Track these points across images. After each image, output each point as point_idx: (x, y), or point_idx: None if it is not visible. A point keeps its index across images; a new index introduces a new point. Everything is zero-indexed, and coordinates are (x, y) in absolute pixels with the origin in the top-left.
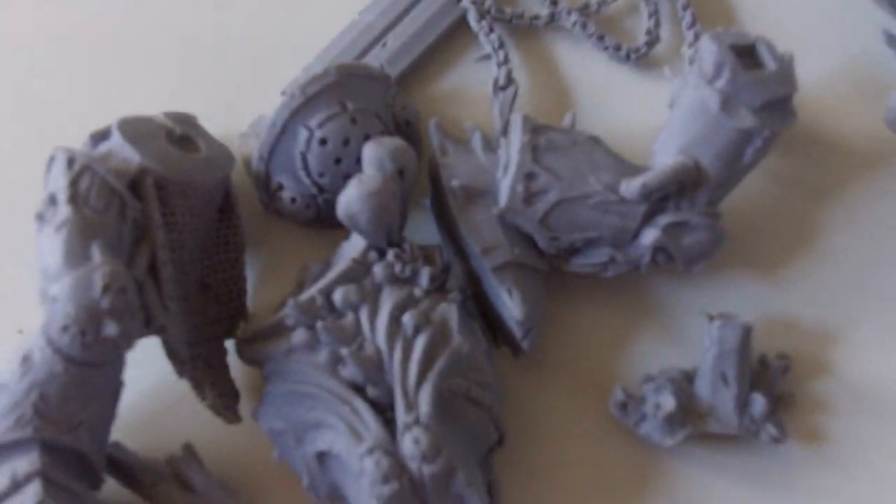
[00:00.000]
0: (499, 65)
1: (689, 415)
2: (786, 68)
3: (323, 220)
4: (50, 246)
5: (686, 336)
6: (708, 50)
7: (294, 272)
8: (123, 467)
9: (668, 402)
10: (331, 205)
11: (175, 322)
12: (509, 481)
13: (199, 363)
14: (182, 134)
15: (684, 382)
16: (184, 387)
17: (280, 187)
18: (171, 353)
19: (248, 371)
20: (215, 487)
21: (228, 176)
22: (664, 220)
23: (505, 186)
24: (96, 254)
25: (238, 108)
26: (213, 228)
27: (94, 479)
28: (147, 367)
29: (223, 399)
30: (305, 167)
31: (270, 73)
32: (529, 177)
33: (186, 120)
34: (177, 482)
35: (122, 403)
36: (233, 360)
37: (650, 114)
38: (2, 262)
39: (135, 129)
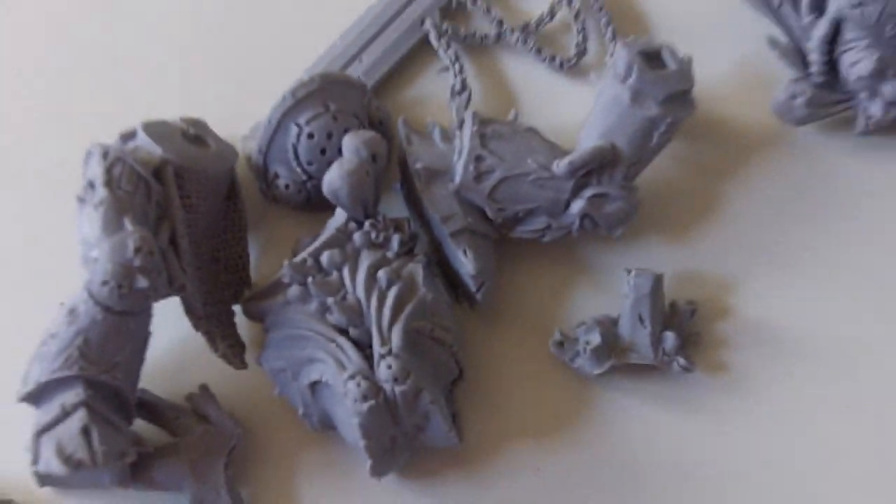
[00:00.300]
0: (455, 74)
1: (613, 350)
2: (685, 68)
3: (312, 204)
4: (90, 220)
5: (610, 289)
6: (620, 55)
7: (288, 249)
8: (150, 406)
9: (596, 339)
10: (318, 189)
11: (191, 284)
12: (468, 413)
13: (211, 320)
14: (195, 134)
15: (609, 325)
16: (199, 340)
17: (276, 176)
18: (189, 311)
19: (251, 327)
20: (226, 419)
21: (233, 168)
22: (589, 192)
23: (459, 167)
24: (128, 224)
25: (239, 116)
26: (221, 211)
27: (127, 414)
28: (169, 324)
29: (232, 349)
30: (296, 157)
31: (266, 86)
32: (479, 159)
33: (197, 123)
34: (195, 415)
35: (148, 353)
36: (239, 320)
37: (579, 110)
38: (46, 242)
39: (156, 129)
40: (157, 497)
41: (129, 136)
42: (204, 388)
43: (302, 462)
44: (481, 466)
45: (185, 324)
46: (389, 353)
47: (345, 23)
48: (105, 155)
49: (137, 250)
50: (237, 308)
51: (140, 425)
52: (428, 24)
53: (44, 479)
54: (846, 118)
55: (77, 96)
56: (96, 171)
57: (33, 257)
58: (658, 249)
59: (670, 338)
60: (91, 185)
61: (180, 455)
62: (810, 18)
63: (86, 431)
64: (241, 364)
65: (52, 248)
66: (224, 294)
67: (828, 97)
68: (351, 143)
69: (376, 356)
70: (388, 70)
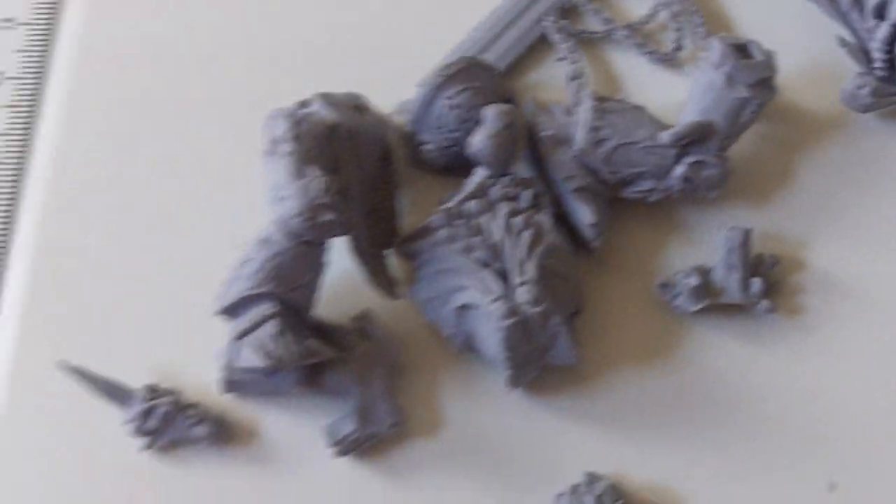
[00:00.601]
0: (571, 63)
1: (708, 292)
2: (769, 59)
3: (450, 167)
4: (279, 168)
5: (704, 244)
6: (715, 46)
7: (427, 207)
8: (321, 326)
9: (694, 281)
10: (457, 155)
11: (358, 227)
12: (583, 340)
13: (371, 259)
14: (357, 105)
15: (705, 272)
16: (358, 276)
17: (423, 142)
18: (355, 248)
19: (400, 269)
20: (388, 336)
21: (388, 134)
22: (689, 159)
23: (579, 136)
24: (314, 171)
25: (386, 96)
26: (378, 171)
27: (304, 332)
28: (333, 262)
29: (387, 284)
30: (443, 126)
31: (407, 73)
32: (596, 129)
33: (359, 97)
34: (359, 334)
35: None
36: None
37: (675, 96)
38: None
39: (328, 98)
40: (326, 405)
41: (304, 104)
42: (367, 311)
43: (444, 379)
44: (593, 385)
45: (345, 263)
46: (526, 281)
47: (472, 22)
48: (290, 116)
49: (324, 190)
50: (388, 253)
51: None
52: (547, 22)
53: (228, 386)
54: None
55: (234, 75)
56: (283, 128)
57: (215, 205)
58: (744, 212)
59: (757, 283)
60: (277, 140)
61: (348, 366)
62: (874, 23)
63: (282, 334)
64: (394, 296)
65: (229, 199)
66: (379, 240)
67: (888, 89)
68: (492, 113)
69: (514, 284)
70: (512, 60)
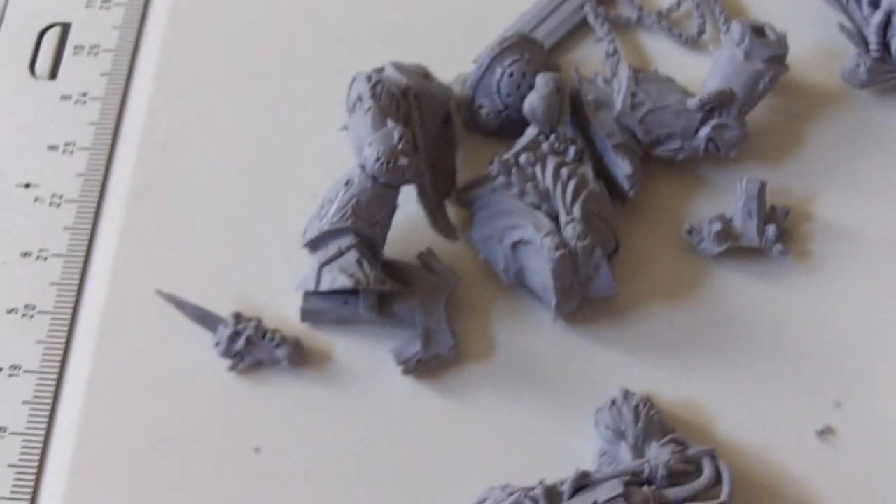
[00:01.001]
0: (608, 43)
1: (729, 236)
2: (782, 39)
3: (503, 130)
4: (361, 122)
5: (724, 198)
6: (736, 27)
7: (482, 164)
8: (389, 262)
9: (717, 226)
10: (509, 119)
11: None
12: (618, 277)
13: (433, 206)
14: (424, 73)
15: (726, 220)
16: (422, 221)
17: (480, 106)
18: (422, 194)
19: (459, 216)
20: (447, 269)
21: (450, 99)
22: (713, 122)
23: (619, 100)
24: (391, 123)
25: (446, 69)
26: (440, 130)
27: (378, 264)
28: (403, 208)
29: (448, 228)
30: (498, 91)
31: (464, 49)
32: (633, 95)
33: (425, 67)
34: (423, 268)
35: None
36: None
37: (699, 72)
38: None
39: (399, 66)
40: (392, 332)
41: (380, 70)
42: (430, 249)
43: (496, 311)
44: (627, 317)
45: (411, 210)
46: (573, 220)
47: (521, 8)
48: (369, 78)
49: (401, 138)
50: (448, 204)
51: None
52: (587, 7)
53: (307, 314)
54: None
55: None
56: (364, 87)
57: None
58: (759, 170)
59: (771, 230)
60: (360, 97)
61: (413, 294)
62: (869, 11)
63: (360, 262)
64: (454, 237)
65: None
66: (440, 191)
67: (882, 68)
68: (544, 78)
69: (562, 223)
70: (556, 40)
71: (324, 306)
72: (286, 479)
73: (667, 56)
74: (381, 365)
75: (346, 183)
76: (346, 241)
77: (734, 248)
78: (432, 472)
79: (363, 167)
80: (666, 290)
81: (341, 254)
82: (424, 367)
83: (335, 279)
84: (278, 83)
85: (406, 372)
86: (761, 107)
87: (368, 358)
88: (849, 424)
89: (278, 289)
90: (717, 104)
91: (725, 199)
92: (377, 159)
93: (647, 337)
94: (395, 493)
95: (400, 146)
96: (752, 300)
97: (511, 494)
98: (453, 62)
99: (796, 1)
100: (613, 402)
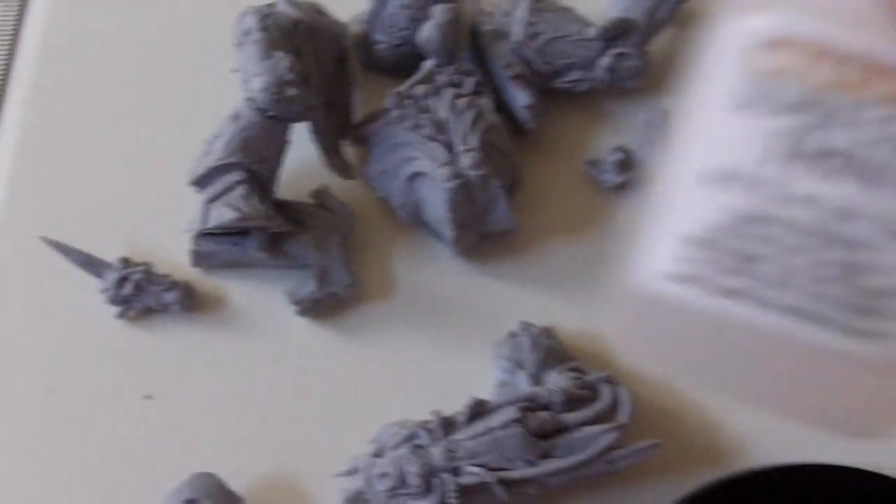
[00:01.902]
0: None
1: (630, 166)
2: None
3: (400, 66)
4: (248, 54)
5: (626, 128)
6: None
7: (379, 101)
8: (282, 203)
9: (618, 156)
10: (406, 54)
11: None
12: (519, 210)
13: (328, 144)
14: (317, 8)
15: (627, 150)
16: (316, 159)
17: (376, 42)
18: (315, 131)
19: (357, 155)
20: (344, 208)
21: (344, 36)
22: (613, 51)
23: (517, 30)
24: (279, 54)
25: (342, 9)
26: (335, 68)
27: (268, 200)
28: (297, 148)
29: (343, 167)
30: (394, 25)
31: None
32: (531, 24)
33: (318, 4)
34: (317, 206)
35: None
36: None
37: (600, 2)
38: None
39: (292, 1)
40: (287, 274)
41: (271, 5)
42: (324, 186)
43: (395, 248)
44: (528, 251)
45: (305, 151)
46: (469, 149)
47: None
48: (258, 11)
49: (288, 69)
50: (344, 144)
51: None
52: None
53: (197, 257)
54: None
55: None
56: (252, 21)
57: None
58: (660, 101)
59: None
60: (248, 30)
61: (307, 233)
62: None
63: (248, 197)
64: (350, 176)
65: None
66: (336, 130)
67: None
68: (440, 8)
69: (459, 152)
70: None
71: (215, 248)
72: (178, 426)
73: None
74: (276, 307)
75: (234, 118)
76: (234, 176)
77: (636, 178)
78: (331, 413)
79: (250, 100)
80: (567, 223)
81: (229, 189)
82: (320, 306)
83: (222, 214)
84: (168, 25)
85: (301, 312)
86: (662, 37)
87: (263, 300)
88: None
89: (169, 233)
90: (618, 32)
91: (627, 130)
92: (265, 90)
93: (547, 271)
94: (293, 436)
95: (289, 76)
96: None
97: (407, 429)
98: (350, 4)
99: None
100: (513, 334)
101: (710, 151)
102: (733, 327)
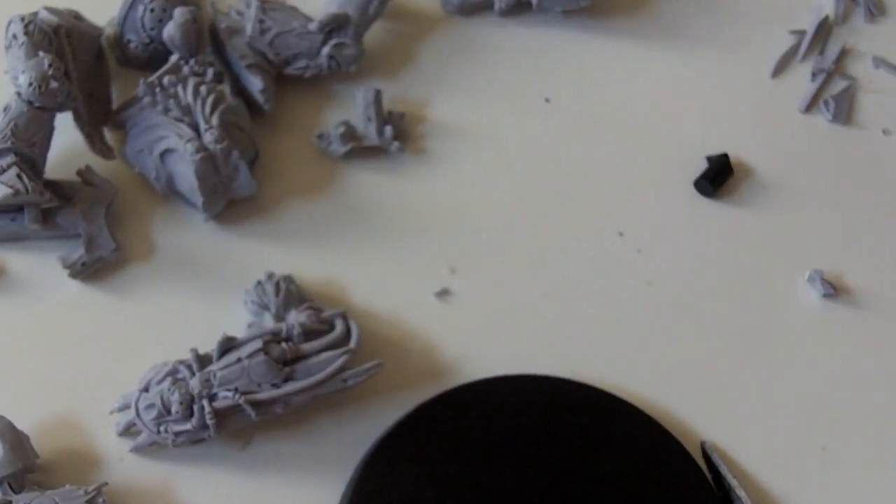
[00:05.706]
0: None
1: (353, 137)
2: None
3: (152, 62)
4: (16, 55)
5: (349, 106)
6: None
7: (134, 92)
8: (51, 183)
9: (341, 129)
10: (156, 51)
11: (80, 101)
12: (260, 180)
13: (90, 130)
14: (75, 15)
15: (350, 124)
16: (82, 146)
17: (129, 41)
18: (78, 118)
19: (117, 139)
20: (106, 182)
21: (100, 36)
22: (332, 41)
23: (249, 27)
24: (42, 53)
25: (99, 15)
26: (94, 64)
27: (39, 180)
28: (59, 133)
29: (104, 149)
30: (143, 26)
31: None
32: (261, 21)
33: (75, 11)
34: (83, 183)
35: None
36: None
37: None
38: None
39: (52, 9)
40: (60, 244)
41: (35, 13)
42: (88, 167)
43: (154, 216)
44: (271, 214)
45: (69, 134)
46: (211, 127)
47: None
48: (23, 18)
49: (51, 64)
50: (105, 130)
51: None
52: None
53: None
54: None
55: None
56: (18, 27)
57: None
58: (378, 82)
59: (388, 130)
60: (15, 36)
61: (75, 206)
62: None
63: (20, 176)
64: (111, 156)
65: None
66: (97, 118)
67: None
68: (180, 10)
69: (202, 130)
70: None
71: (8, 194)
72: None
73: None
74: (52, 272)
75: (4, 109)
76: (7, 160)
77: (358, 148)
78: (104, 362)
79: (19, 94)
80: (303, 188)
81: (3, 171)
82: (89, 269)
83: None
84: None
85: (72, 275)
86: (377, 29)
87: (39, 268)
88: (461, 286)
89: None
90: (335, 26)
91: (351, 108)
92: (30, 84)
93: (288, 229)
94: (73, 382)
95: (50, 72)
96: (377, 191)
97: (169, 366)
98: (106, 8)
99: None
100: (259, 283)
101: None
102: None
